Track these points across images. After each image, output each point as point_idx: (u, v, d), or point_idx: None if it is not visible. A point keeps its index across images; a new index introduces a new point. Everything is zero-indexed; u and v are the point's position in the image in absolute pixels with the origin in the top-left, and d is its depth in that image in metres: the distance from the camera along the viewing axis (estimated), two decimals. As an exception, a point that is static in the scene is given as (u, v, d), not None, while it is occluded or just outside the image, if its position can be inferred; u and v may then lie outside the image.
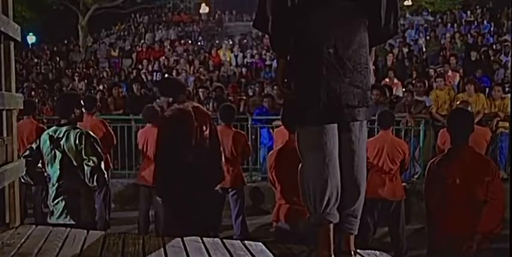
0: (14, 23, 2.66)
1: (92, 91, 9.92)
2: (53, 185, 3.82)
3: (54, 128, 3.94)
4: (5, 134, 2.71)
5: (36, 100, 8.84)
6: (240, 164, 5.34)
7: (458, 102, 4.87)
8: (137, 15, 22.76)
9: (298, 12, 2.02)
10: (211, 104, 8.41)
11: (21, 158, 3.55)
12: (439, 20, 19.71)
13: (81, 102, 4.04)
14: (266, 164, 7.75)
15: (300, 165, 2.17)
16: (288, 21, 2.00)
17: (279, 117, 7.49)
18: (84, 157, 3.74)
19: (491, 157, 6.45)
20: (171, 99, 3.48)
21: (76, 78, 12.09)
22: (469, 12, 20.40)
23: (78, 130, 3.85)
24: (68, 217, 3.77)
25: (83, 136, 3.79)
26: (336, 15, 2.03)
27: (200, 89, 8.69)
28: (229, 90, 9.00)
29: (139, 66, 14.09)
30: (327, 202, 2.05)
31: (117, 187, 7.80)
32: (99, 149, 3.83)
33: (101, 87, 11.34)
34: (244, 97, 8.58)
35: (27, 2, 18.86)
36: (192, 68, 14.43)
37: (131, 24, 22.56)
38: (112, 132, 5.95)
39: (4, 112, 2.60)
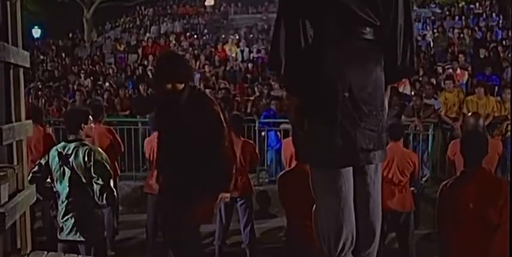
0: (24, 51, 2.63)
1: (99, 91, 9.89)
2: (62, 202, 3.83)
3: (62, 144, 3.93)
4: (15, 163, 2.69)
5: (43, 101, 8.83)
6: (248, 173, 5.32)
7: (469, 114, 4.81)
8: (142, 8, 22.64)
9: (312, 53, 1.97)
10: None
11: (31, 180, 3.53)
12: (447, 13, 19.49)
13: (90, 117, 4.04)
14: (273, 166, 7.80)
15: (314, 206, 2.15)
16: (301, 62, 1.96)
17: (287, 120, 7.51)
18: (93, 175, 3.74)
19: (501, 162, 6.40)
20: None
21: (82, 76, 12.07)
22: (477, 4, 20.15)
23: (86, 146, 3.85)
24: (78, 233, 3.78)
25: (92, 153, 3.79)
26: (351, 56, 1.98)
27: (207, 90, 8.64)
28: (237, 91, 8.95)
29: (145, 62, 14.04)
30: (342, 246, 2.03)
31: (124, 189, 7.80)
32: (108, 167, 3.83)
33: (107, 84, 11.33)
34: (251, 98, 8.53)
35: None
36: (198, 63, 14.37)
37: (136, 17, 22.46)
38: (119, 139, 5.94)
39: (14, 142, 2.58)
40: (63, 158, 3.83)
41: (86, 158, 3.77)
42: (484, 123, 4.45)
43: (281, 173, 3.87)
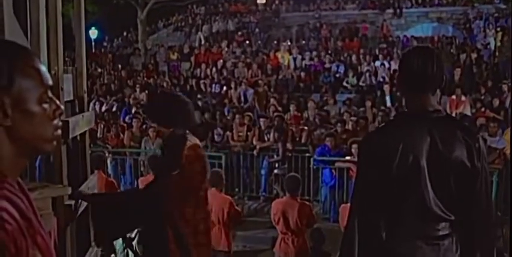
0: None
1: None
2: (127, 285, 3.96)
3: (126, 226, 4.04)
4: None
5: (102, 126, 9.07)
6: (305, 235, 5.30)
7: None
8: (194, 7, 22.74)
9: (383, 250, 1.90)
10: (272, 134, 8.34)
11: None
12: (512, 9, 18.41)
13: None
14: (327, 203, 7.73)
15: None
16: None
17: (341, 158, 7.40)
18: (156, 262, 3.83)
19: None
20: None
21: (137, 89, 12.33)
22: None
23: (149, 231, 3.94)
24: None
25: (154, 239, 3.87)
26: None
27: (261, 119, 8.63)
28: (292, 121, 8.88)
29: (198, 72, 14.17)
30: None
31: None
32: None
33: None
34: (306, 127, 8.45)
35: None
36: (250, 72, 14.35)
37: (188, 15, 22.61)
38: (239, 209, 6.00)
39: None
40: (127, 241, 3.94)
41: (149, 244, 3.86)
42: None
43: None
